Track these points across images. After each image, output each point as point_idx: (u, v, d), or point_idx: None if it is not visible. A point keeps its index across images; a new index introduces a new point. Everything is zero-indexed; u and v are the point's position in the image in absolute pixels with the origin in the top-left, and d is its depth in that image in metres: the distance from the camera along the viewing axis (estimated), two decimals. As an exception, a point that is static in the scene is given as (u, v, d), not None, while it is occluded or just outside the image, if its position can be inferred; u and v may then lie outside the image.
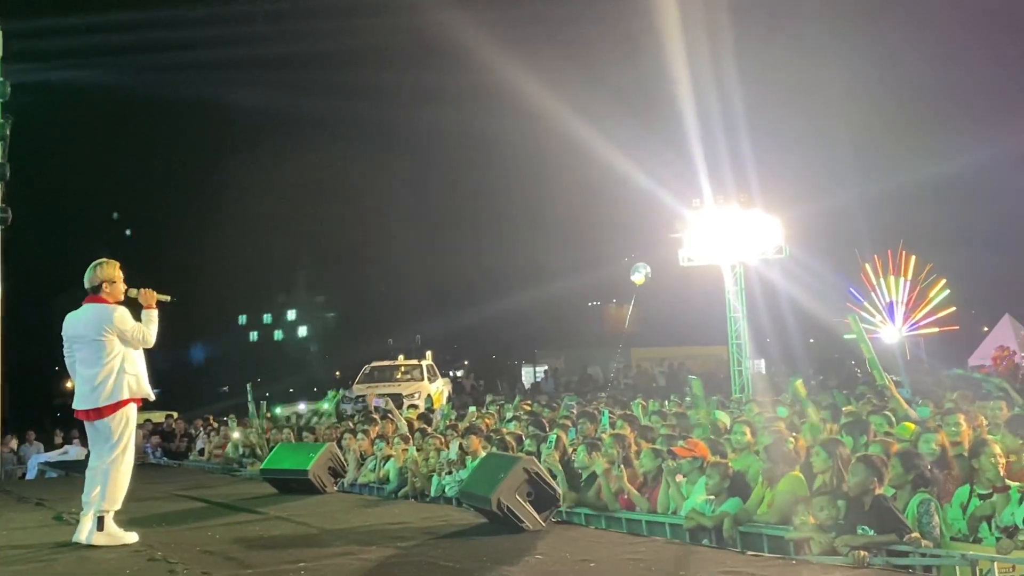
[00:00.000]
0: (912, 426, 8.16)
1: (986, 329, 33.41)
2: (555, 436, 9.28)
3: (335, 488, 10.16)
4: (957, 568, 6.09)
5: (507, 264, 47.80)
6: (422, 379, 25.91)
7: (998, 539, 6.25)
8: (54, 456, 18.30)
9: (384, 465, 11.78)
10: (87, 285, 7.06)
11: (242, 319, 69.42)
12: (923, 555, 6.10)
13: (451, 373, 40.13)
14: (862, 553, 6.05)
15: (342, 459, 10.49)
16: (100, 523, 6.92)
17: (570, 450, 9.47)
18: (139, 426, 20.94)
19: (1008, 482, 6.57)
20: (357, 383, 26.35)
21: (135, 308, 7.16)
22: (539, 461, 8.36)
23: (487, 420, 13.10)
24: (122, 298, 7.09)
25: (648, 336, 39.00)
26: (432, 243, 56.85)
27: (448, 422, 14.04)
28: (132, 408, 7.03)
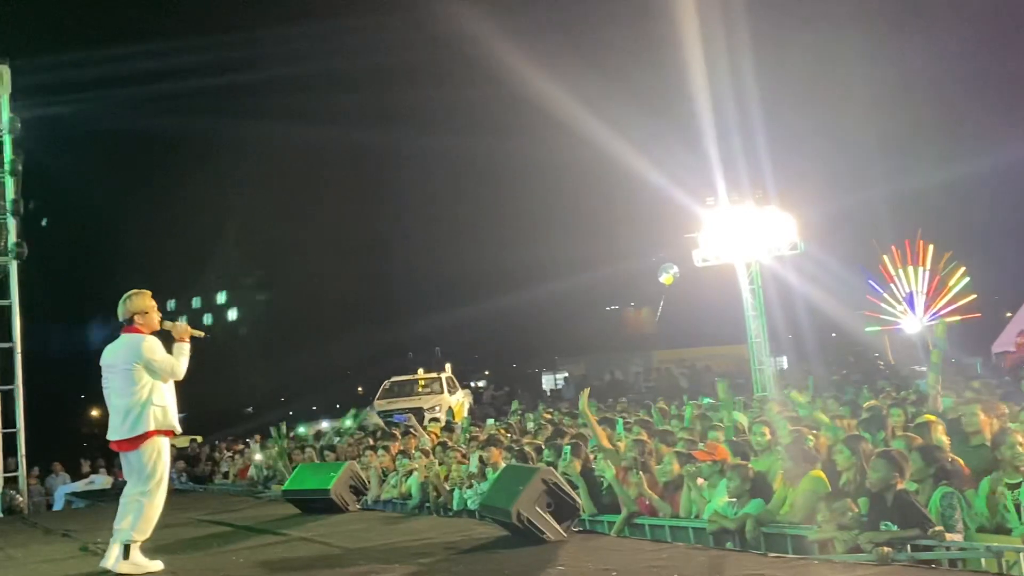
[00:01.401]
0: (932, 418, 8.11)
1: (1009, 315, 33.16)
2: (568, 448, 9.26)
3: (357, 506, 10.19)
4: (983, 560, 6.05)
5: (525, 270, 47.77)
6: (442, 392, 25.90)
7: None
8: (80, 486, 18.39)
9: (406, 481, 11.80)
10: (120, 317, 7.14)
11: (171, 304, 67.83)
12: (947, 548, 6.06)
13: (472, 384, 40.14)
14: (886, 549, 6.02)
15: (363, 477, 10.51)
16: (126, 552, 6.92)
17: (591, 458, 9.47)
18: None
19: None
20: (378, 398, 26.39)
21: (168, 340, 7.24)
22: (557, 471, 8.38)
23: (502, 431, 13.09)
24: (156, 328, 7.17)
25: (668, 337, 38.93)
26: (447, 247, 56.83)
27: (469, 435, 14.05)
28: (162, 440, 7.04)
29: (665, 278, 22.37)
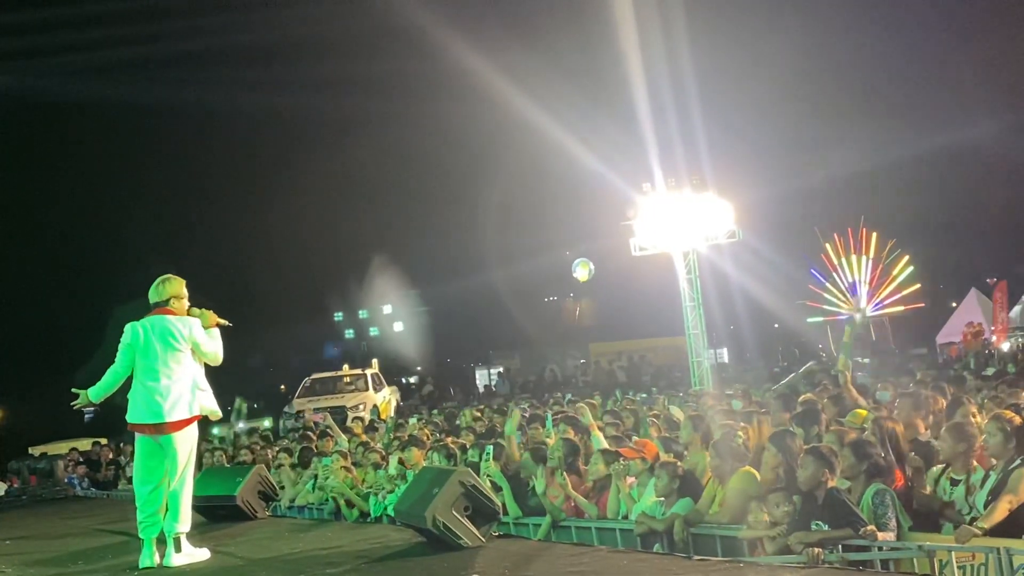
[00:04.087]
0: (864, 412, 8.19)
1: (954, 305, 33.96)
2: (491, 448, 9.18)
3: (267, 513, 9.99)
4: (915, 560, 6.10)
5: (458, 259, 47.60)
6: (367, 389, 25.66)
7: (956, 526, 6.27)
8: (-29, 493, 17.83)
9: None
10: (157, 298, 7.24)
11: (338, 316, 67.63)
12: (880, 549, 6.10)
13: (403, 380, 39.89)
14: (816, 550, 6.04)
15: (272, 481, 10.31)
16: (177, 544, 7.22)
17: (517, 457, 9.39)
18: (63, 456, 20.65)
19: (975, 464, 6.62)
20: (298, 397, 26.06)
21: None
22: (480, 472, 8.30)
23: (426, 431, 12.97)
24: (186, 314, 7.32)
25: (605, 330, 39.16)
26: (373, 235, 56.13)
27: (392, 435, 13.88)
28: (195, 425, 7.25)
29: (580, 275, 22.48)
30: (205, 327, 7.31)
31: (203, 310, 7.39)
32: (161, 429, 7.07)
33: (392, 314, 59.81)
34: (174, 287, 7.28)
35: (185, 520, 7.26)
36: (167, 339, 7.10)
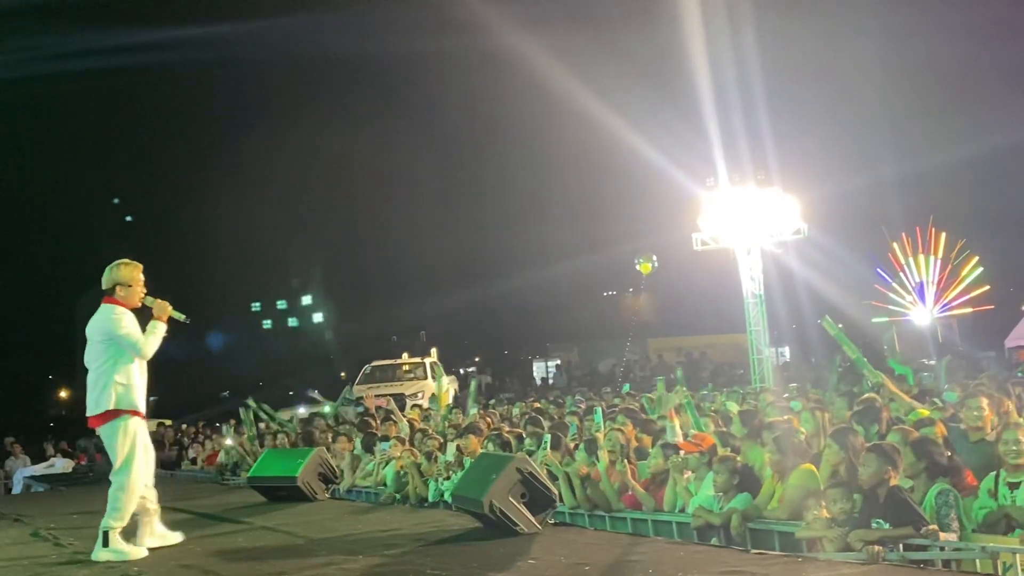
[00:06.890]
0: (925, 411, 8.07)
1: (1024, 308, 33.10)
2: (548, 437, 9.22)
3: (327, 495, 10.14)
4: (977, 561, 6.01)
5: (518, 254, 47.66)
6: (426, 377, 25.87)
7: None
8: (40, 469, 18.36)
9: (382, 469, 11.73)
10: (103, 286, 7.05)
11: (256, 306, 68.05)
12: (941, 548, 6.03)
13: (461, 370, 40.09)
14: (876, 548, 5.98)
15: (332, 464, 10.46)
16: (106, 539, 6.91)
17: (572, 448, 9.43)
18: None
19: None
20: (357, 384, 26.33)
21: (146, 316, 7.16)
22: (536, 460, 8.34)
23: (488, 419, 13.05)
24: (137, 304, 7.06)
25: (665, 325, 38.91)
26: (437, 228, 56.48)
27: (448, 423, 13.98)
28: (129, 420, 6.91)
29: (642, 266, 22.51)
30: (155, 318, 7.01)
31: (156, 300, 7.08)
32: (94, 422, 6.97)
33: (312, 304, 59.80)
34: (119, 273, 7.01)
35: (118, 516, 6.90)
36: (92, 332, 6.97)
